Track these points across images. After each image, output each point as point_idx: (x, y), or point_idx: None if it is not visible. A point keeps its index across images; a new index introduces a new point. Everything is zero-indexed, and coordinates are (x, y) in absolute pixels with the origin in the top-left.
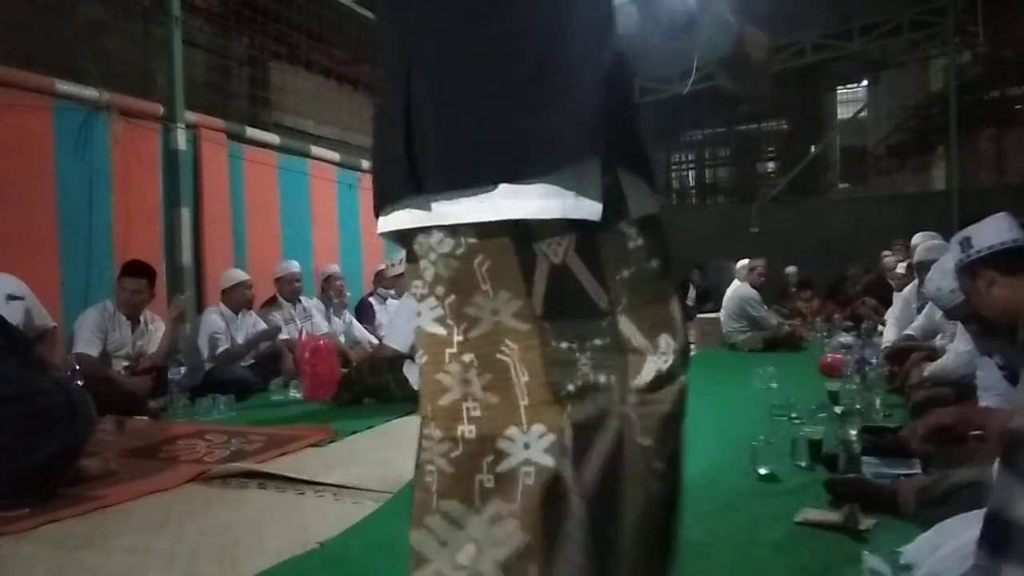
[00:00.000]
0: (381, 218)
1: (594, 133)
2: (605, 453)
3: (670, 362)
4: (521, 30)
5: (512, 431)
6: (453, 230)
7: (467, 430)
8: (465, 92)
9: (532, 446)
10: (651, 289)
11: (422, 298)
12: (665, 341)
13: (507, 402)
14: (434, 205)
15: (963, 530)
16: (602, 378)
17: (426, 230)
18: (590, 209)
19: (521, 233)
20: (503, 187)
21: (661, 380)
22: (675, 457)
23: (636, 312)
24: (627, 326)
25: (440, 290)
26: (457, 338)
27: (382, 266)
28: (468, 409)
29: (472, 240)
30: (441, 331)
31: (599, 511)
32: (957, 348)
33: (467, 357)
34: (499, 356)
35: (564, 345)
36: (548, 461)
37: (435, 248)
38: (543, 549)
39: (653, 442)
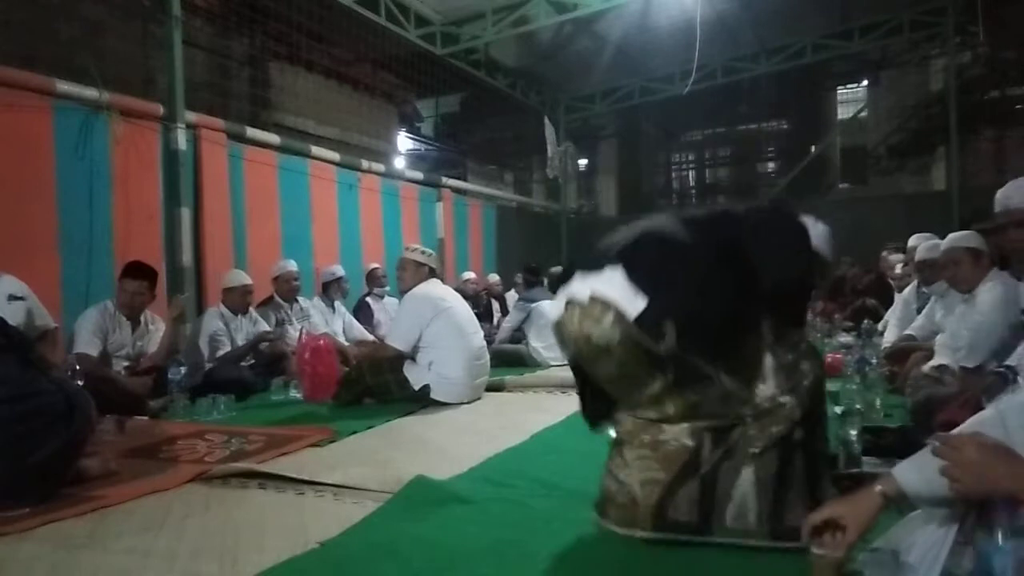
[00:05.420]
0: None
1: None
2: (724, 450)
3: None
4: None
5: (666, 426)
6: None
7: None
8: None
9: (677, 430)
10: (790, 362)
11: None
12: (787, 397)
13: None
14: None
15: (933, 519)
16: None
17: None
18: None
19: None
20: None
21: (774, 411)
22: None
23: (779, 375)
24: (768, 383)
25: None
26: None
27: (374, 265)
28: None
29: None
30: None
31: (712, 479)
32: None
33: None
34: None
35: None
36: (688, 441)
37: None
38: (672, 483)
39: (760, 450)
